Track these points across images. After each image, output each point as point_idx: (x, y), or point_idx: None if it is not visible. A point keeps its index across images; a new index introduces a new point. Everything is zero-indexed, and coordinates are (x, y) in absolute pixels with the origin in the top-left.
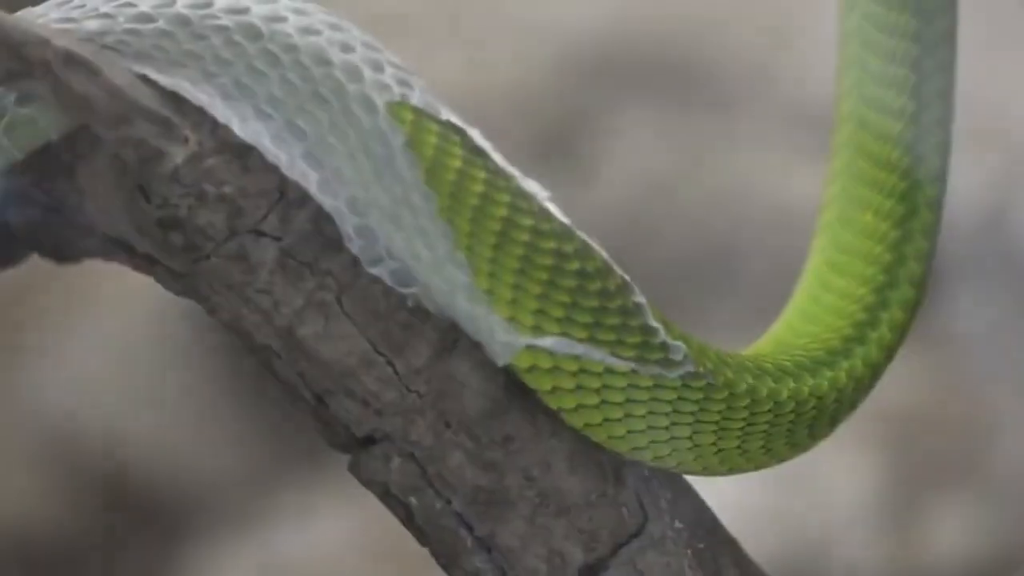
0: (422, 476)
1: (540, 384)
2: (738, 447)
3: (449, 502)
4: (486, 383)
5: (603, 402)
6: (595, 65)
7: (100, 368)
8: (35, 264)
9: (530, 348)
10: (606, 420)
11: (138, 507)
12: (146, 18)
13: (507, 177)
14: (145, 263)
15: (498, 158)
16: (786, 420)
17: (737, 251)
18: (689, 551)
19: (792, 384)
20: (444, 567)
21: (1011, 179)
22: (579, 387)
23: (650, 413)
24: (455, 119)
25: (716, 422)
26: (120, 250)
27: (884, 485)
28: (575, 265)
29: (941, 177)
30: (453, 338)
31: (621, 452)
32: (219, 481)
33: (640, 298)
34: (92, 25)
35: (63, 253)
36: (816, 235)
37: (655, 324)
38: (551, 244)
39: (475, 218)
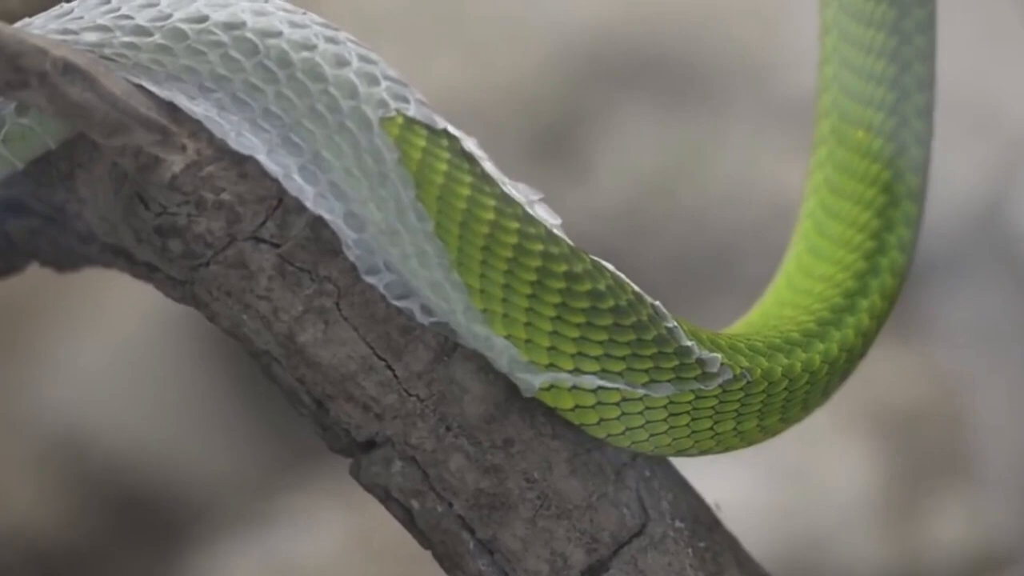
0: (423, 480)
1: (585, 419)
2: (780, 418)
3: (451, 505)
4: (486, 387)
5: (648, 422)
6: (592, 64)
7: (103, 373)
8: (37, 271)
9: (574, 388)
10: (652, 436)
11: (141, 510)
12: (143, 32)
13: (537, 223)
14: (144, 270)
15: (489, 167)
16: (822, 382)
17: (734, 247)
18: (690, 550)
19: (821, 346)
20: (447, 570)
21: (1004, 174)
22: (624, 414)
23: (693, 420)
24: (452, 130)
25: (758, 410)
26: (119, 258)
27: (882, 481)
28: (610, 303)
29: (922, 159)
30: (453, 343)
31: (667, 455)
32: (221, 484)
33: (671, 322)
34: (90, 37)
35: (63, 261)
36: (803, 203)
37: (688, 343)
38: (586, 286)
39: (510, 270)
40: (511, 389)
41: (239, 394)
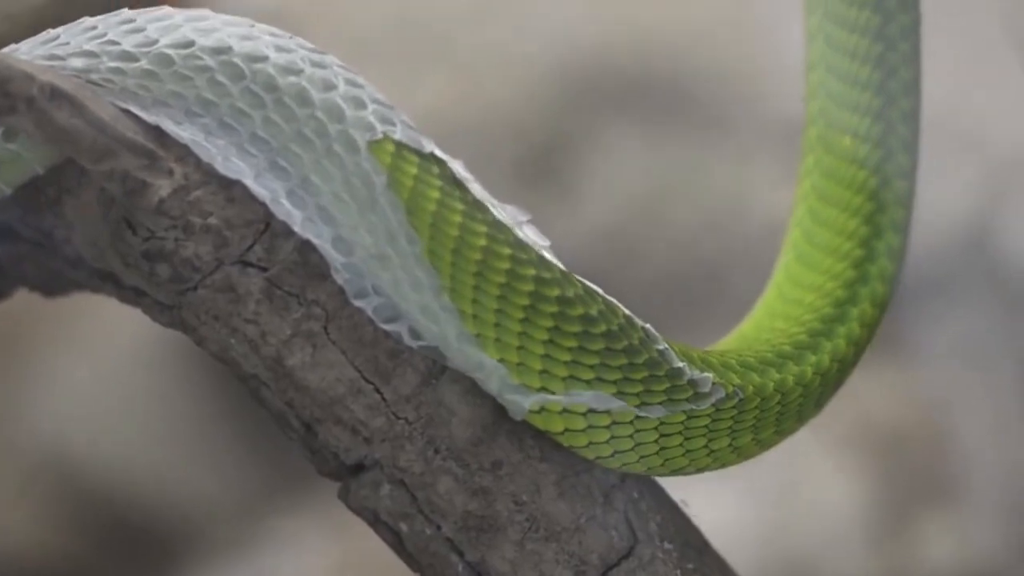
0: (412, 502)
1: (575, 441)
2: (775, 431)
3: (439, 528)
4: (474, 410)
5: (638, 444)
6: (580, 86)
7: (92, 395)
8: (25, 296)
9: (564, 412)
10: (642, 458)
11: (130, 533)
12: (129, 57)
13: (528, 249)
14: (132, 295)
15: (477, 189)
16: (815, 393)
17: (724, 268)
18: (679, 572)
19: (813, 358)
20: None
21: (992, 196)
22: (613, 437)
23: (686, 440)
24: (438, 153)
25: (752, 425)
26: (108, 283)
27: (870, 500)
28: (602, 327)
29: (909, 165)
30: (441, 366)
31: (661, 475)
32: (210, 507)
33: (662, 344)
34: (77, 63)
35: (51, 286)
36: (792, 212)
37: (679, 365)
38: (578, 311)
39: (503, 295)
40: (499, 412)
41: (228, 417)
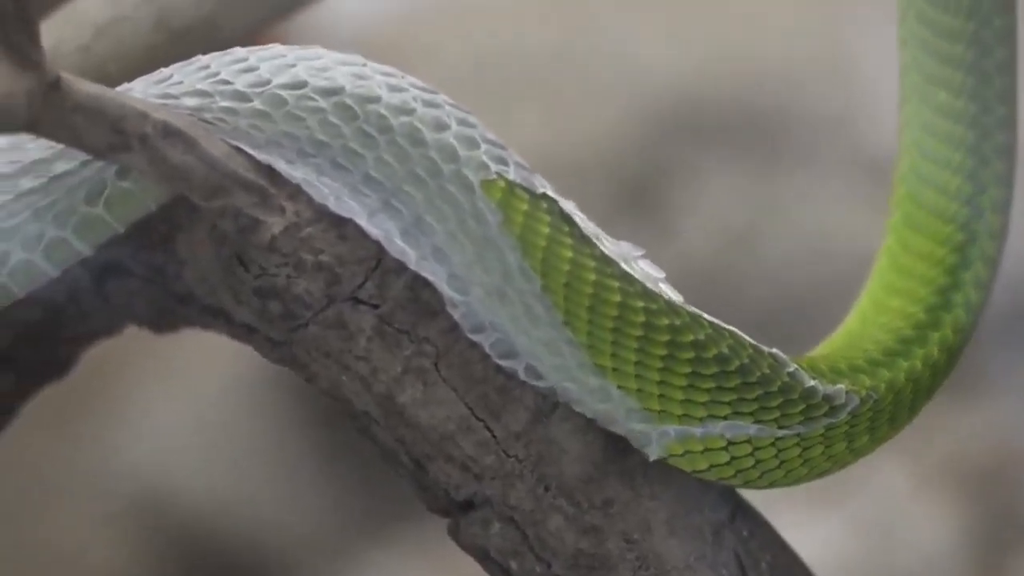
0: (522, 540)
1: (696, 465)
2: (908, 416)
3: (550, 566)
4: (585, 447)
5: (782, 462)
6: (673, 121)
7: (184, 430)
8: (128, 330)
9: (706, 451)
10: (788, 473)
11: (224, 568)
12: (242, 97)
13: (657, 297)
14: (243, 332)
15: (591, 228)
16: (941, 373)
17: (819, 303)
18: None
19: (936, 346)
20: None
21: None
22: (758, 461)
23: (827, 448)
24: (551, 192)
25: (888, 419)
26: (218, 319)
27: (964, 537)
28: (735, 364)
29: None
30: (552, 403)
31: (805, 482)
32: (301, 543)
33: (792, 366)
34: (190, 102)
35: (161, 323)
36: (884, 241)
37: (811, 383)
38: (712, 352)
39: (641, 348)
40: (610, 450)
41: (321, 452)
